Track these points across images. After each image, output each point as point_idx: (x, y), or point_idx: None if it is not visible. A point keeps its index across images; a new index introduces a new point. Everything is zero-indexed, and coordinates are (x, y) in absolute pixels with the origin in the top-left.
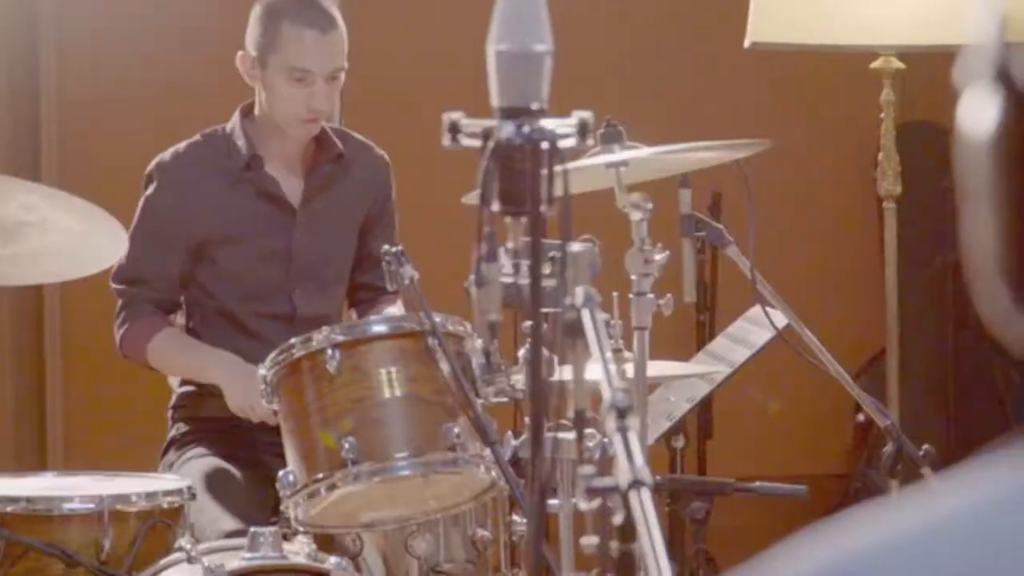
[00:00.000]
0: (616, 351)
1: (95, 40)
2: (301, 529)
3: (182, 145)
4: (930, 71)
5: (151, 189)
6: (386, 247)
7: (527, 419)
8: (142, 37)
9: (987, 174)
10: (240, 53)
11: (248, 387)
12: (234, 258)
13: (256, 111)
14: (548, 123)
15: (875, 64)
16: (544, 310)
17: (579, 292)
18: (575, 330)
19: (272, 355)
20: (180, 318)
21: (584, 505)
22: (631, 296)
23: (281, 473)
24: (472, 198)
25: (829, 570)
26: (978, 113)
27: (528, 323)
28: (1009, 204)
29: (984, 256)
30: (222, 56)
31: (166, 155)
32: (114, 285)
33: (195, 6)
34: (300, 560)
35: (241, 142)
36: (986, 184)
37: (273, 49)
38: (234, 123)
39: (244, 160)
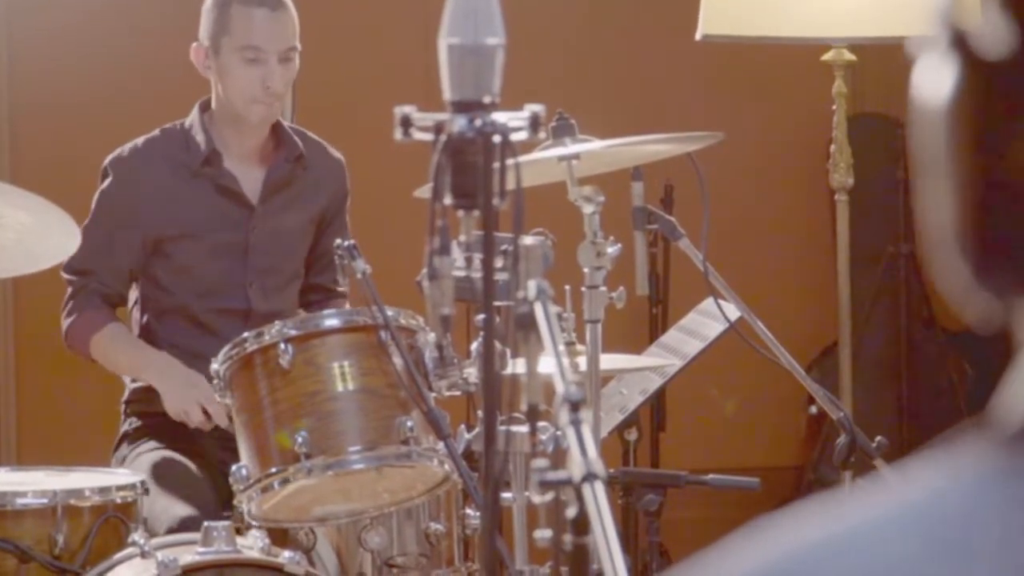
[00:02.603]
0: (569, 344)
1: (46, 38)
2: (254, 523)
3: (140, 140)
4: (882, 63)
5: (107, 183)
6: (338, 241)
7: (480, 412)
8: (93, 34)
9: (943, 145)
10: (193, 45)
11: (184, 392)
12: (190, 253)
13: (213, 105)
14: (500, 116)
15: (826, 56)
16: (497, 303)
17: (531, 285)
18: (528, 323)
19: (225, 349)
20: (135, 313)
21: (537, 498)
22: (584, 289)
23: (234, 467)
24: (424, 192)
25: (772, 567)
26: (933, 83)
27: (481, 316)
28: (966, 175)
29: (942, 230)
30: (174, 54)
31: (123, 149)
32: (64, 275)
33: (149, 4)
34: (254, 554)
35: (200, 137)
36: (943, 155)
37: (224, 32)
38: (193, 118)
39: (203, 155)
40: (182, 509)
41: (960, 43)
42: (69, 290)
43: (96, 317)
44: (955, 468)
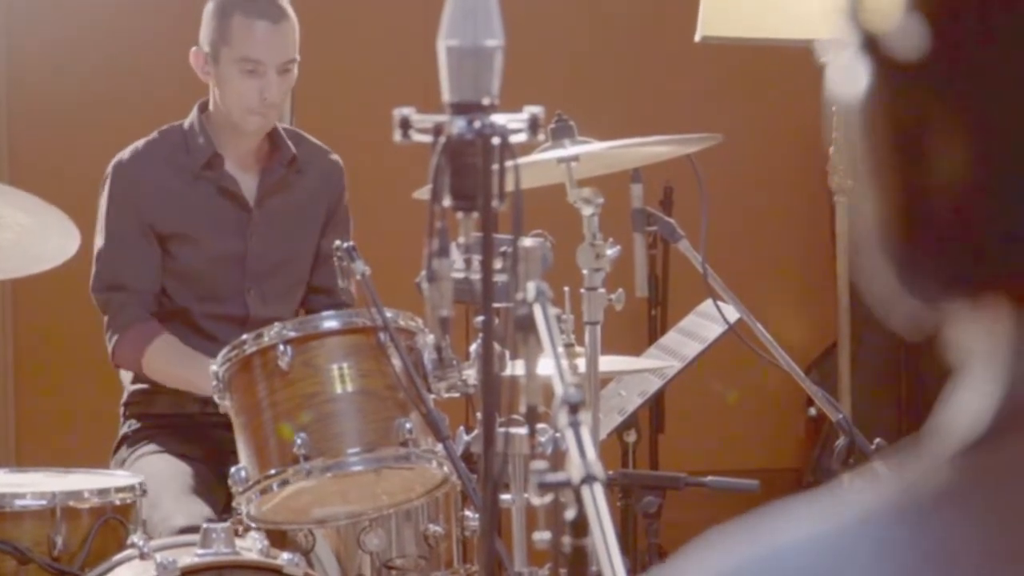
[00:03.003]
0: (568, 346)
1: (44, 42)
2: (253, 525)
3: (140, 143)
4: None
5: (111, 189)
6: (337, 243)
7: (479, 414)
8: (91, 39)
9: (861, 147)
10: (193, 49)
11: None
12: (191, 256)
13: (211, 108)
14: (499, 118)
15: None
16: (496, 305)
17: (531, 287)
18: (527, 325)
19: (224, 351)
20: None
21: (536, 500)
22: (583, 291)
23: (233, 469)
24: (423, 193)
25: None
26: (846, 85)
27: (480, 318)
28: (887, 177)
29: (868, 233)
30: (171, 58)
31: (124, 154)
32: (95, 295)
33: (146, 8)
34: (252, 556)
35: (201, 139)
36: (862, 157)
37: (225, 42)
38: (192, 120)
39: (204, 157)
40: (181, 519)
41: (872, 45)
42: (104, 310)
43: (141, 333)
44: (900, 486)
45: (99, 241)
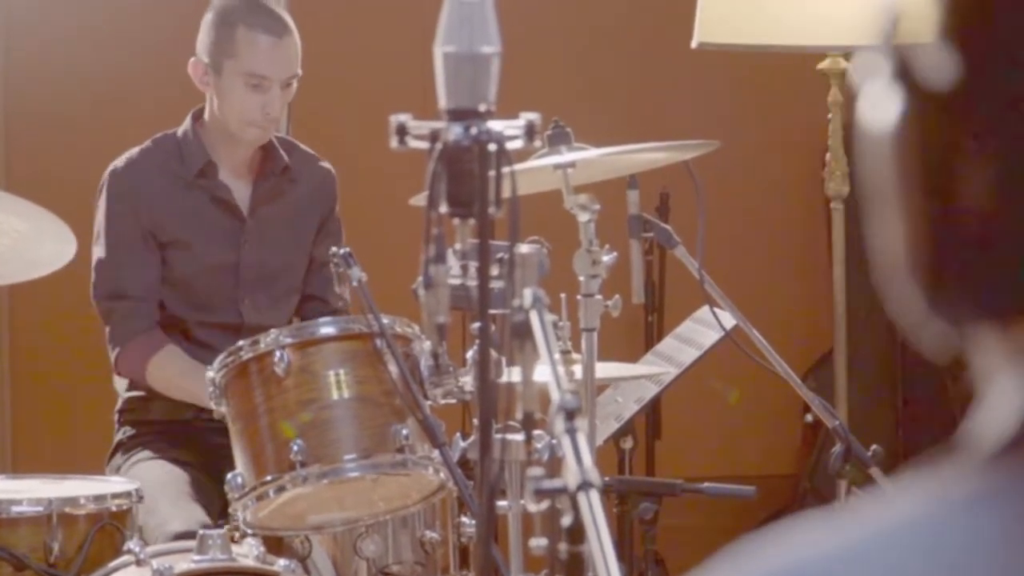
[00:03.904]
0: (564, 352)
1: (42, 48)
2: (249, 531)
3: (134, 151)
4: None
5: (111, 197)
6: (333, 249)
7: (475, 421)
8: (87, 45)
9: (891, 175)
10: (192, 59)
11: None
12: (185, 265)
13: (206, 117)
14: (496, 125)
15: (822, 64)
16: (492, 312)
17: (527, 293)
18: (523, 332)
19: (220, 357)
20: None
21: (533, 507)
22: (579, 297)
23: (229, 475)
24: (420, 200)
25: None
26: (878, 111)
27: (476, 325)
28: (916, 203)
29: (895, 259)
30: (168, 64)
31: (119, 162)
32: (97, 305)
33: (142, 14)
34: (249, 562)
35: (195, 148)
36: (891, 185)
37: (228, 54)
38: (186, 128)
39: (198, 166)
40: (177, 525)
41: (905, 73)
42: (106, 320)
43: (147, 342)
44: (941, 488)
45: (99, 251)
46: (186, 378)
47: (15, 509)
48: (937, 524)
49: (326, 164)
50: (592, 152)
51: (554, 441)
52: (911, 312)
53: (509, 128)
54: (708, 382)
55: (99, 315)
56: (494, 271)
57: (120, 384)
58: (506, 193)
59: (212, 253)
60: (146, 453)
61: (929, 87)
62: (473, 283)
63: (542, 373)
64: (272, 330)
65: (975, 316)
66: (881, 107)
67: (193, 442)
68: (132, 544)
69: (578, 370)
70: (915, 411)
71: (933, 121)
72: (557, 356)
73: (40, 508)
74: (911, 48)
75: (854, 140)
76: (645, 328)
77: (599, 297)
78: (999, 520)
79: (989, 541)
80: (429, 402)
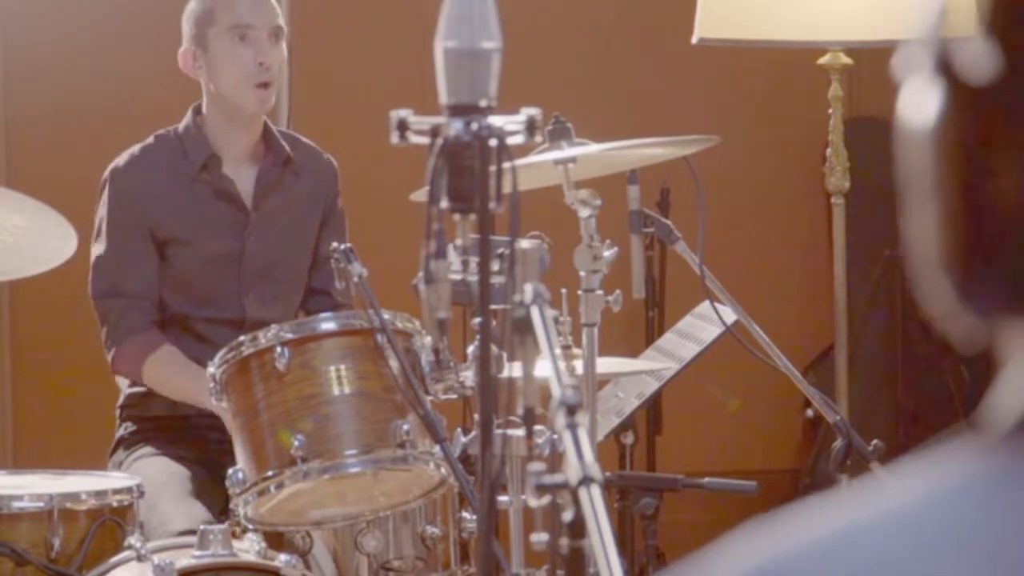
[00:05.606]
0: (565, 348)
1: (42, 46)
2: (251, 527)
3: (136, 149)
4: (878, 66)
5: (109, 196)
6: (334, 244)
7: (476, 416)
8: (88, 42)
9: (929, 167)
10: (180, 50)
11: None
12: (187, 260)
13: (205, 108)
14: (496, 120)
15: (823, 60)
16: (493, 307)
17: (528, 289)
18: (524, 327)
19: (221, 353)
20: None
21: (534, 502)
22: (580, 292)
23: (230, 471)
24: (421, 195)
25: (766, 567)
26: (919, 105)
27: (477, 320)
28: (951, 197)
29: (928, 251)
30: (168, 61)
31: (121, 160)
32: (96, 301)
33: (142, 11)
34: (250, 558)
35: (197, 141)
36: (928, 177)
37: (210, 22)
38: (187, 123)
39: (201, 159)
40: (178, 522)
41: (946, 68)
42: (103, 318)
43: (143, 341)
44: (946, 469)
45: (98, 248)
46: (182, 378)
47: (16, 505)
48: (924, 510)
49: (328, 157)
50: (593, 147)
51: (555, 436)
52: (941, 303)
53: (510, 123)
54: (707, 387)
55: (96, 313)
56: (495, 266)
57: (122, 380)
58: (507, 188)
59: (215, 247)
60: (148, 449)
61: (970, 81)
62: (474, 278)
63: (543, 368)
64: (273, 325)
65: (1007, 309)
66: (921, 101)
67: (194, 438)
68: (133, 540)
69: (579, 365)
70: (916, 406)
71: (972, 115)
72: (558, 351)
73: (41, 504)
74: (953, 42)
75: (853, 136)
76: (646, 323)
77: (600, 292)
78: (999, 501)
79: (984, 523)
80: (430, 397)
